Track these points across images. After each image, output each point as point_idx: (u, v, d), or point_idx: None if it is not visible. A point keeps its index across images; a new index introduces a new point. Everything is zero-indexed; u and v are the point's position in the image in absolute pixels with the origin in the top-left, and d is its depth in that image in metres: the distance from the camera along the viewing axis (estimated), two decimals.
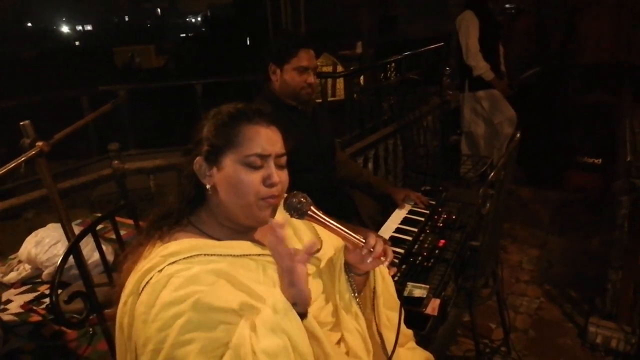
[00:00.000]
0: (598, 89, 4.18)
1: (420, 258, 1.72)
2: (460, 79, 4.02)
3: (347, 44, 6.73)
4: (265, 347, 0.83)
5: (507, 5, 5.92)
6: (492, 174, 1.59)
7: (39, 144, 1.47)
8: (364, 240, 1.03)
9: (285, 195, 1.04)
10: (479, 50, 3.66)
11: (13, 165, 1.42)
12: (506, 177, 1.76)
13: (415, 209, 2.11)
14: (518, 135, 1.78)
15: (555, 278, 2.94)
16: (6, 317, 1.59)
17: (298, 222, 1.18)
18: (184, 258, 0.94)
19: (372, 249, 1.02)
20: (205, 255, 0.96)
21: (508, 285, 2.86)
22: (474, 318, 2.00)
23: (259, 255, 1.03)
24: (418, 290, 1.55)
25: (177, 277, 0.90)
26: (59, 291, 1.27)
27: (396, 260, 1.11)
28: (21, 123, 1.49)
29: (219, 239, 1.02)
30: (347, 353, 1.10)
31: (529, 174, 4.22)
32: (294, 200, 0.99)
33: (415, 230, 1.92)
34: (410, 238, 1.86)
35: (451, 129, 4.48)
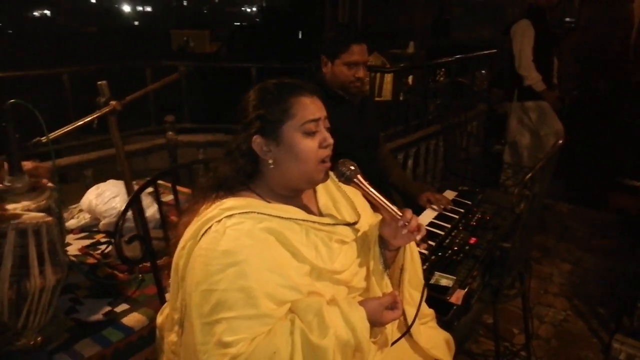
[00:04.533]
0: None
1: (450, 252, 1.77)
2: (509, 88, 4.00)
3: (399, 44, 6.76)
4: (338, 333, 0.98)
5: (567, 19, 5.81)
6: (529, 174, 1.63)
7: (113, 102, 1.63)
8: (400, 214, 1.12)
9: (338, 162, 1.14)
10: (532, 60, 3.64)
11: (88, 119, 1.58)
12: (543, 180, 1.80)
13: (451, 207, 2.15)
14: (560, 142, 1.81)
15: (585, 294, 2.92)
16: (60, 259, 1.76)
17: (339, 196, 1.28)
18: (239, 213, 1.04)
19: (407, 222, 1.11)
20: (257, 213, 1.05)
21: (536, 295, 2.87)
22: (497, 317, 2.04)
23: (304, 220, 1.12)
24: (445, 280, 1.62)
25: (234, 229, 1.01)
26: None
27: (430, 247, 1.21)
28: (98, 82, 1.65)
29: (269, 202, 1.13)
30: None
31: (569, 190, 4.16)
32: (344, 168, 1.10)
33: (449, 226, 1.97)
34: (442, 233, 1.92)
35: (496, 137, 4.46)
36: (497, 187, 3.38)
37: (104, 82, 1.63)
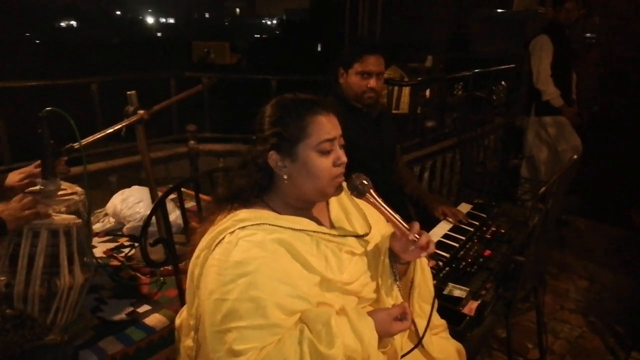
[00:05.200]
0: None
1: (464, 263, 1.79)
2: (527, 103, 4.00)
3: (417, 57, 6.80)
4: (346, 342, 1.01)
5: (588, 35, 5.79)
6: (543, 188, 1.65)
7: (141, 112, 1.70)
8: (409, 228, 1.15)
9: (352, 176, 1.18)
10: (550, 75, 3.65)
11: (118, 127, 1.66)
12: (558, 195, 1.81)
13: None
14: (575, 157, 1.82)
15: (602, 311, 2.89)
16: (88, 259, 1.83)
17: (351, 208, 1.31)
18: (251, 225, 1.08)
19: (417, 238, 1.14)
20: (269, 225, 1.09)
21: (551, 310, 2.85)
22: (510, 330, 2.05)
23: (314, 231, 1.16)
24: (458, 291, 1.63)
25: (245, 241, 1.05)
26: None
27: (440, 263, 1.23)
28: (128, 92, 1.73)
29: (281, 214, 1.16)
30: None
31: (589, 206, 4.13)
32: (357, 181, 1.14)
33: (463, 238, 1.99)
34: (457, 245, 1.94)
35: (513, 151, 4.46)
36: (513, 201, 3.37)
37: (133, 92, 1.71)
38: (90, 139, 1.56)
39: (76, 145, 1.50)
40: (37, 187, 1.41)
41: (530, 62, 3.79)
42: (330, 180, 1.14)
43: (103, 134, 1.61)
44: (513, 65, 5.09)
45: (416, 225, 1.16)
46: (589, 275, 3.31)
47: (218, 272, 1.03)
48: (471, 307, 1.59)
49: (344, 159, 1.16)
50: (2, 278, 1.28)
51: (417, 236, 1.15)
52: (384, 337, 1.11)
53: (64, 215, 1.35)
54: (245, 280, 1.01)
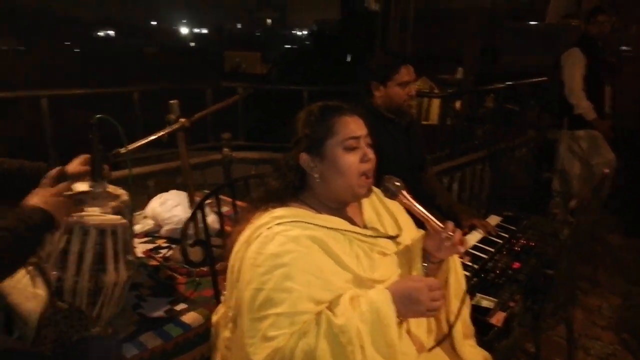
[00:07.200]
0: None
1: (492, 275, 1.80)
2: (559, 116, 3.96)
3: (447, 69, 6.80)
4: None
5: (624, 48, 5.68)
6: (574, 201, 1.66)
7: (182, 120, 1.80)
8: (444, 227, 1.19)
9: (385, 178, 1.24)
10: (583, 89, 3.61)
11: (161, 134, 1.76)
12: (589, 209, 1.80)
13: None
14: (607, 171, 1.81)
15: (635, 328, 2.82)
16: (130, 258, 1.93)
17: (383, 210, 1.37)
18: (288, 221, 1.15)
19: (450, 235, 1.18)
20: (305, 222, 1.16)
21: (582, 326, 2.80)
22: (538, 344, 2.04)
23: (348, 231, 1.22)
24: (486, 302, 1.64)
25: (282, 235, 1.11)
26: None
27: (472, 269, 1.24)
28: (170, 101, 1.83)
29: (318, 212, 1.23)
30: (408, 331, 1.24)
31: (623, 223, 4.04)
32: (389, 183, 1.19)
33: (492, 250, 2.00)
34: (485, 256, 1.95)
35: (545, 164, 4.40)
36: (544, 214, 3.34)
37: (175, 101, 1.81)
38: (136, 144, 1.65)
39: (122, 150, 1.59)
40: (87, 188, 1.50)
41: (562, 75, 3.76)
42: (358, 177, 1.20)
43: (147, 140, 1.71)
44: (546, 78, 5.04)
45: (450, 224, 1.21)
46: (622, 292, 3.24)
47: (255, 264, 1.10)
48: (499, 318, 1.59)
49: (371, 155, 1.22)
50: (54, 272, 1.37)
51: (451, 233, 1.19)
52: (414, 303, 1.09)
53: (111, 216, 1.44)
54: (281, 271, 1.07)
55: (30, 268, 1.36)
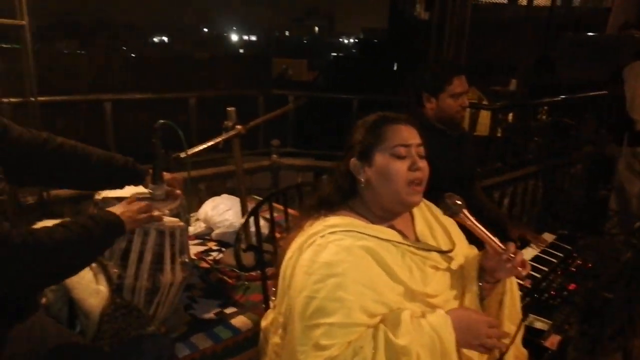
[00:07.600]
0: None
1: (546, 295, 1.74)
2: (619, 132, 3.79)
3: (499, 81, 6.63)
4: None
5: None
6: (638, 223, 1.58)
7: (238, 127, 1.84)
8: (504, 248, 1.16)
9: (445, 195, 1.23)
10: None
11: (218, 140, 1.81)
12: None
13: (548, 250, 2.09)
14: None
15: None
16: (186, 259, 1.99)
17: (435, 224, 1.35)
18: (341, 231, 1.15)
19: (511, 257, 1.15)
20: (358, 232, 1.16)
21: None
22: None
23: (400, 243, 1.21)
24: (539, 323, 1.59)
25: (335, 244, 1.12)
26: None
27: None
28: (227, 108, 1.88)
29: (370, 222, 1.23)
30: (458, 351, 1.23)
31: None
32: (450, 201, 1.17)
33: (546, 269, 1.93)
34: (539, 275, 1.89)
35: (602, 181, 4.22)
36: (600, 234, 3.19)
37: (232, 109, 1.86)
38: (195, 149, 1.71)
39: (182, 154, 1.65)
40: (147, 191, 1.56)
41: (623, 89, 3.60)
42: (405, 185, 1.18)
43: (207, 145, 1.76)
44: (605, 92, 4.83)
45: (511, 245, 1.18)
46: None
47: (308, 272, 1.11)
48: (553, 341, 1.54)
49: (422, 164, 1.20)
50: (115, 270, 1.43)
51: (512, 255, 1.16)
52: (470, 338, 1.11)
53: (170, 218, 1.49)
54: (334, 281, 1.07)
55: (93, 264, 1.43)
